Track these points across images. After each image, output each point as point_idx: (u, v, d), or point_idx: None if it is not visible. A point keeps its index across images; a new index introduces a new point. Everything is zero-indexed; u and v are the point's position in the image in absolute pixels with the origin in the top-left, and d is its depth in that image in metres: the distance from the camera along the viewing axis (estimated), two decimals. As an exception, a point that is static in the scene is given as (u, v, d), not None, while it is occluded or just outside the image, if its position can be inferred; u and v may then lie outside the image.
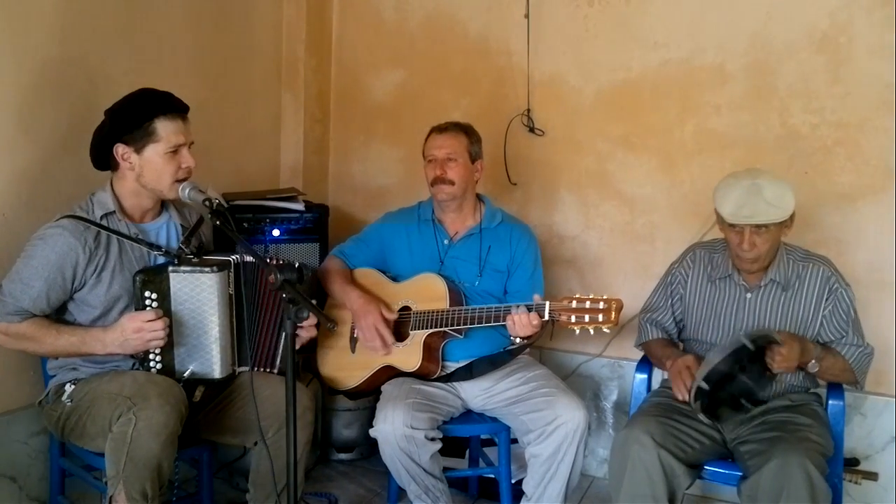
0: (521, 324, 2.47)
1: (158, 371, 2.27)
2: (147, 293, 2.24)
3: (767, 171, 2.53)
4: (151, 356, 2.26)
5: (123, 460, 2.04)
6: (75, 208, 2.31)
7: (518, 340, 2.57)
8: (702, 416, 2.41)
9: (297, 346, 2.44)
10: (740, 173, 2.50)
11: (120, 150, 2.28)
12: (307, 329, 2.44)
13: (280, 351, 2.43)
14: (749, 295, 2.59)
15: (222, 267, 2.30)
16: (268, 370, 2.44)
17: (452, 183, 2.79)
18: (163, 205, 2.47)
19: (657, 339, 2.76)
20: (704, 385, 2.33)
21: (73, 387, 2.30)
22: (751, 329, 2.52)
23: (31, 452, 2.59)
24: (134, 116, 2.26)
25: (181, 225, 2.49)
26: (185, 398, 2.18)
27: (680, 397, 2.45)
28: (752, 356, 2.35)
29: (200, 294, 2.27)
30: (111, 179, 2.36)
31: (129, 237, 2.32)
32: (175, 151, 2.29)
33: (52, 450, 2.52)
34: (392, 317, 2.72)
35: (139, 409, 2.06)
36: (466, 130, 2.88)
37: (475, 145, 2.88)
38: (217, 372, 2.33)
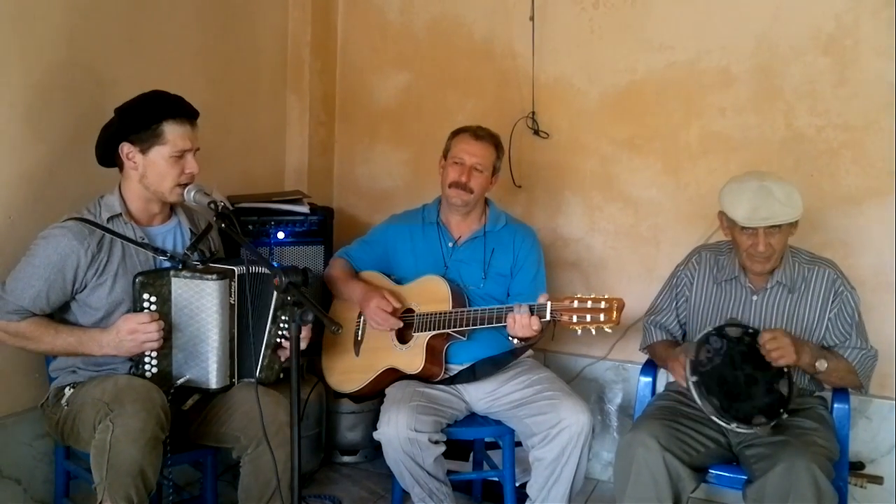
0: (520, 324, 2.47)
1: (154, 375, 2.25)
2: (146, 296, 2.23)
3: (769, 172, 2.53)
4: (147, 359, 2.25)
5: (105, 467, 2.02)
6: (83, 210, 2.32)
7: (516, 342, 2.56)
8: (724, 423, 2.37)
9: (283, 358, 2.45)
10: (743, 177, 2.50)
11: (125, 149, 2.28)
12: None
13: (259, 363, 2.40)
14: (755, 297, 2.59)
15: (224, 275, 2.29)
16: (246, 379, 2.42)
17: (472, 192, 2.79)
18: (172, 209, 2.47)
19: (662, 341, 2.75)
20: (695, 378, 2.37)
21: (71, 390, 2.30)
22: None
23: (36, 454, 2.59)
24: (143, 117, 2.27)
25: (191, 230, 2.48)
26: (164, 403, 2.15)
27: (681, 382, 2.47)
28: (745, 356, 2.38)
29: (200, 301, 2.27)
30: (119, 182, 2.37)
31: (133, 241, 2.32)
32: (180, 156, 2.29)
33: (57, 452, 2.52)
34: (397, 303, 2.71)
35: (115, 416, 2.04)
36: (497, 144, 2.86)
37: (499, 160, 2.88)
38: (213, 382, 2.31)
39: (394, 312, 2.70)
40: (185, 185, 2.31)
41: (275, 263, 2.85)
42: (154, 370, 2.26)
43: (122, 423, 2.03)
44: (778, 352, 2.32)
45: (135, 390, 2.13)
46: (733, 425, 2.35)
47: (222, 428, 2.39)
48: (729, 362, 2.37)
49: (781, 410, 2.37)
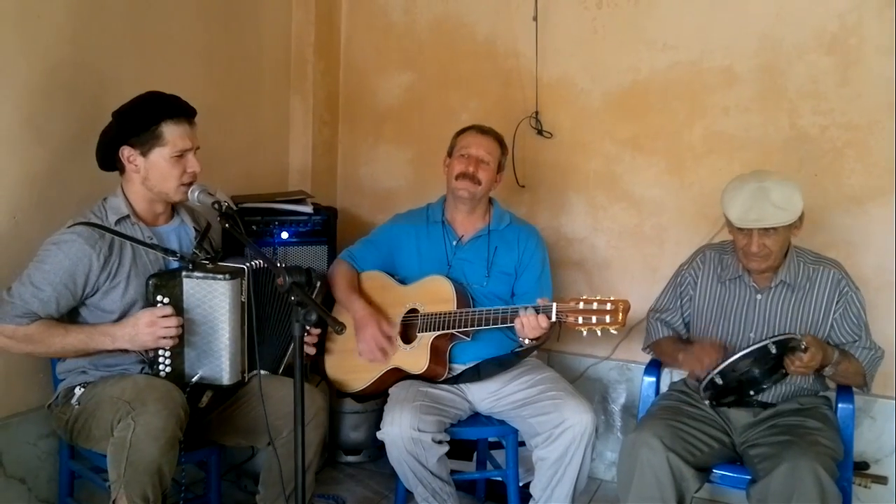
0: (529, 325, 2.47)
1: (167, 374, 2.26)
2: (159, 297, 2.24)
3: (775, 172, 2.52)
4: (161, 358, 2.26)
5: (124, 465, 2.04)
6: (89, 214, 2.31)
7: (526, 342, 2.56)
8: (706, 403, 2.43)
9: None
10: (747, 176, 2.49)
11: (126, 152, 2.29)
12: (309, 339, 2.46)
13: (287, 355, 2.43)
14: (759, 296, 2.58)
15: (236, 274, 2.29)
16: (270, 372, 2.44)
17: (479, 183, 2.80)
18: (174, 208, 2.48)
19: (667, 337, 2.75)
20: (719, 380, 2.35)
21: (82, 390, 2.30)
22: (778, 333, 2.49)
23: (41, 454, 2.60)
24: (141, 119, 2.27)
25: (195, 228, 2.49)
26: (184, 403, 2.17)
27: (698, 372, 2.44)
28: (771, 356, 2.36)
29: (213, 300, 2.27)
30: (121, 183, 2.37)
31: (144, 243, 2.32)
32: (181, 156, 2.29)
33: (62, 452, 2.53)
34: (391, 332, 2.73)
35: (137, 414, 2.05)
36: (501, 142, 2.90)
37: (504, 157, 2.91)
38: (226, 378, 2.32)
39: (389, 342, 2.72)
40: (189, 184, 2.32)
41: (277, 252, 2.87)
42: (168, 369, 2.27)
43: (143, 422, 2.05)
44: (800, 370, 2.34)
45: (156, 389, 2.14)
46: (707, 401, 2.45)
47: (250, 415, 2.41)
48: (755, 360, 2.37)
49: (750, 392, 2.46)
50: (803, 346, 2.30)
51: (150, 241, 2.35)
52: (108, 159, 2.34)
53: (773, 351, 2.31)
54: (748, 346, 2.34)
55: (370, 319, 2.73)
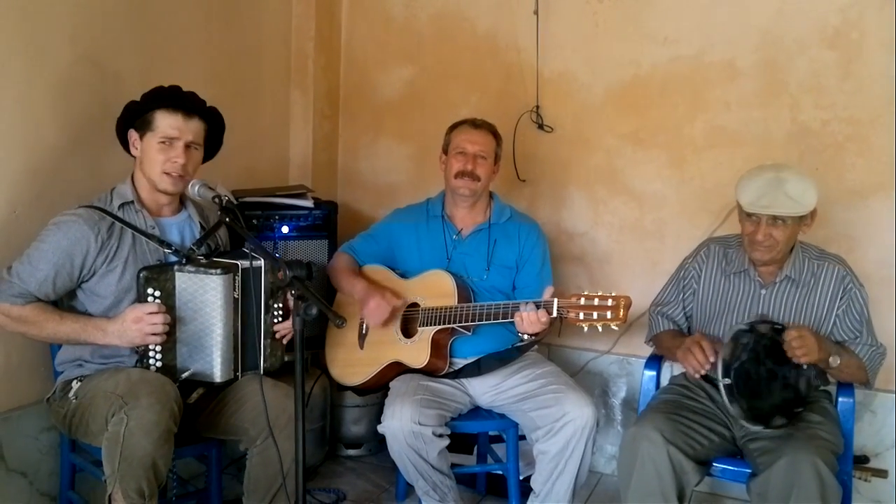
0: (529, 320, 2.47)
1: (158, 369, 2.26)
2: (150, 290, 2.24)
3: (794, 167, 2.53)
4: (152, 352, 2.26)
5: (118, 459, 2.04)
6: (94, 200, 2.36)
7: (526, 337, 2.56)
8: (749, 425, 2.35)
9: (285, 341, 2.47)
10: (766, 166, 2.51)
11: (132, 136, 2.37)
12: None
13: (262, 353, 2.41)
14: (764, 291, 2.58)
15: (228, 270, 2.30)
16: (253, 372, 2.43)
17: (479, 179, 2.81)
18: (182, 202, 2.49)
19: (668, 331, 2.76)
20: (728, 380, 2.33)
21: (79, 384, 2.31)
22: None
23: (42, 448, 2.60)
24: (141, 105, 2.34)
25: (200, 224, 2.50)
26: (178, 396, 2.16)
27: (694, 374, 2.43)
28: (768, 350, 2.36)
29: (205, 295, 2.28)
30: (133, 171, 2.42)
31: (142, 232, 2.34)
32: (168, 144, 2.32)
33: (63, 445, 2.54)
34: (397, 302, 2.72)
35: (130, 409, 2.05)
36: (495, 133, 2.91)
37: (499, 148, 2.92)
38: (218, 375, 2.32)
39: (393, 313, 2.71)
40: (175, 175, 2.34)
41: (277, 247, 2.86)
42: (159, 364, 2.27)
43: (136, 416, 2.05)
44: (802, 349, 2.32)
45: (149, 383, 2.14)
46: (757, 428, 2.34)
47: (231, 419, 2.40)
48: (754, 357, 2.37)
49: (798, 410, 2.39)
50: (778, 321, 2.36)
51: (152, 230, 2.36)
52: (124, 142, 2.41)
53: (745, 327, 2.34)
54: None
55: (373, 293, 2.72)
